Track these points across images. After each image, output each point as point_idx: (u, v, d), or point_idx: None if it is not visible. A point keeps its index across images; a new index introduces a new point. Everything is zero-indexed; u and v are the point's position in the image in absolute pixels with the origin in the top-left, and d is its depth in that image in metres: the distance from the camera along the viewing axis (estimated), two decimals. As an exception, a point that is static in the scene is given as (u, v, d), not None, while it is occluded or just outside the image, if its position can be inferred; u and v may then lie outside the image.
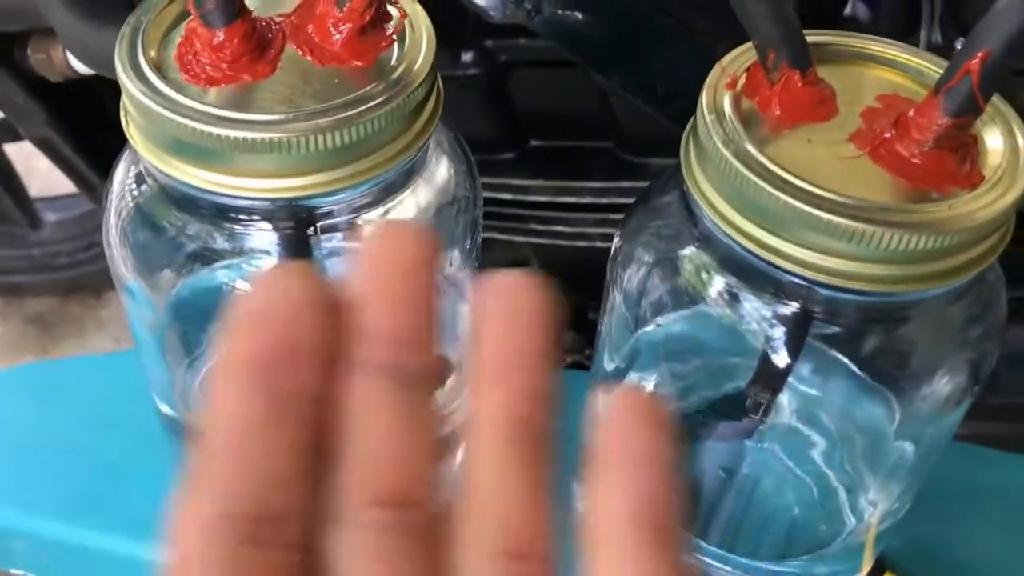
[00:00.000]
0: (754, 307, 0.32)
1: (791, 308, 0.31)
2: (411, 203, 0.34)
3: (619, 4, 0.46)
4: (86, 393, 0.50)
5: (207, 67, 0.30)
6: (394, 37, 0.32)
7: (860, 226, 0.27)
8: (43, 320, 1.03)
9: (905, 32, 0.53)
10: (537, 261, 0.71)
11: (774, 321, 0.32)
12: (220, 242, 0.33)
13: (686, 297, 0.33)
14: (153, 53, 0.30)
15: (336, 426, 0.19)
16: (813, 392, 0.35)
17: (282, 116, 0.28)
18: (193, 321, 0.37)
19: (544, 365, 0.20)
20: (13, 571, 0.47)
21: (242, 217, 0.31)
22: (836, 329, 0.31)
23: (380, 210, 0.33)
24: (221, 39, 0.30)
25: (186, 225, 0.33)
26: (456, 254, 0.37)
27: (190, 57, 0.30)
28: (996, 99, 0.30)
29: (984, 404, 0.65)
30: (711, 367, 0.37)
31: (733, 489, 0.40)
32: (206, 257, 0.33)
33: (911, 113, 0.29)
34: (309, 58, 0.31)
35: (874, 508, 0.38)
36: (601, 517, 0.19)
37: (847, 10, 0.61)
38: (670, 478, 0.19)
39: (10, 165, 0.92)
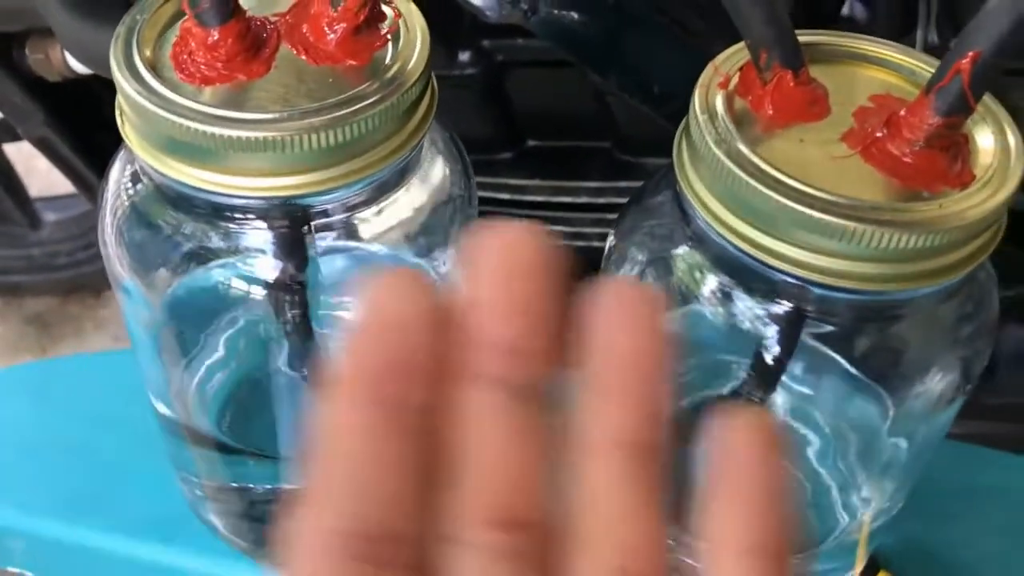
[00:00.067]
0: (747, 306, 0.32)
1: (784, 307, 0.31)
2: (407, 202, 0.35)
3: (615, 4, 0.46)
4: (83, 392, 0.50)
5: (202, 66, 0.30)
6: (388, 37, 0.32)
7: (851, 225, 0.27)
8: (42, 320, 1.03)
9: (902, 32, 0.53)
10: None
11: (767, 320, 0.32)
12: (215, 241, 0.33)
13: (679, 296, 0.34)
14: (148, 52, 0.31)
15: (450, 440, 0.19)
16: (806, 391, 0.35)
17: (276, 115, 0.29)
18: (189, 320, 0.37)
19: (662, 382, 0.19)
20: (10, 569, 0.48)
21: (237, 216, 0.32)
22: (829, 328, 0.32)
23: (374, 209, 0.33)
24: (216, 38, 0.30)
25: (181, 224, 0.33)
26: (451, 254, 0.37)
27: (185, 56, 0.30)
28: (987, 98, 0.30)
29: (983, 404, 0.65)
30: (705, 366, 0.37)
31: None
32: (201, 256, 0.33)
33: (902, 112, 0.29)
34: (304, 57, 0.31)
35: (867, 506, 0.38)
36: (719, 545, 0.19)
37: (844, 10, 0.61)
38: (786, 506, 0.19)
39: (10, 165, 0.93)
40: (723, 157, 0.29)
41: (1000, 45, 0.27)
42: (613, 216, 0.36)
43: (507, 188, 0.60)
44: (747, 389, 0.35)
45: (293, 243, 0.32)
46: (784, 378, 0.34)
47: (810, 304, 0.30)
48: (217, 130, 0.28)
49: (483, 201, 0.62)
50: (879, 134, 0.29)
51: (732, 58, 0.32)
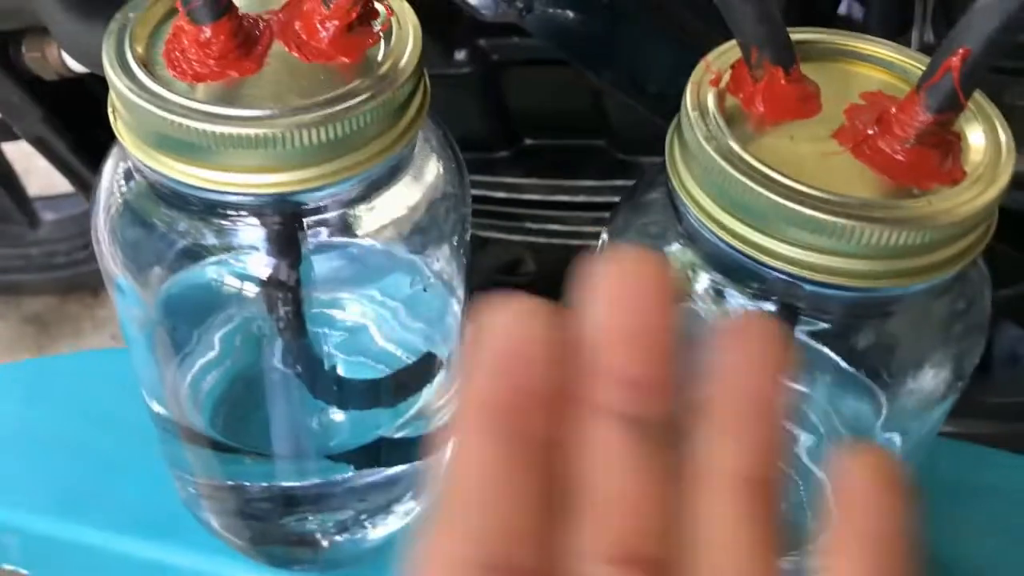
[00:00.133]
0: (739, 304, 0.32)
1: (776, 304, 0.31)
2: (400, 199, 0.35)
3: (609, 2, 0.46)
4: (78, 389, 0.50)
5: (194, 63, 0.30)
6: (381, 34, 0.32)
7: (842, 221, 0.27)
8: (40, 319, 1.03)
9: (897, 31, 0.53)
10: (532, 260, 0.71)
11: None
12: (208, 238, 0.33)
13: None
14: (141, 49, 0.31)
15: (574, 472, 0.19)
16: (799, 388, 0.36)
17: (268, 112, 0.29)
18: (182, 318, 0.37)
19: (782, 419, 0.20)
20: (5, 567, 0.48)
21: (230, 213, 0.32)
22: (821, 325, 0.32)
23: (368, 206, 0.33)
24: (208, 36, 0.30)
25: (174, 221, 0.33)
26: (444, 251, 0.37)
27: (177, 54, 0.30)
28: (978, 96, 0.30)
29: (980, 403, 0.65)
30: (699, 362, 0.37)
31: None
32: (195, 253, 0.33)
33: (893, 110, 0.29)
34: (296, 55, 0.31)
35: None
36: None
37: (841, 9, 0.61)
38: (910, 553, 0.19)
39: (9, 164, 0.93)
40: (714, 154, 0.29)
41: (990, 43, 0.27)
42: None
43: (503, 187, 0.61)
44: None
45: (286, 240, 0.32)
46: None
47: (802, 301, 0.30)
48: (209, 127, 0.28)
49: (480, 200, 0.63)
50: (870, 131, 0.29)
51: (724, 55, 0.32)
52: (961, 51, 0.27)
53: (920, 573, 0.19)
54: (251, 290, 0.33)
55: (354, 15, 0.31)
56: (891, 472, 0.20)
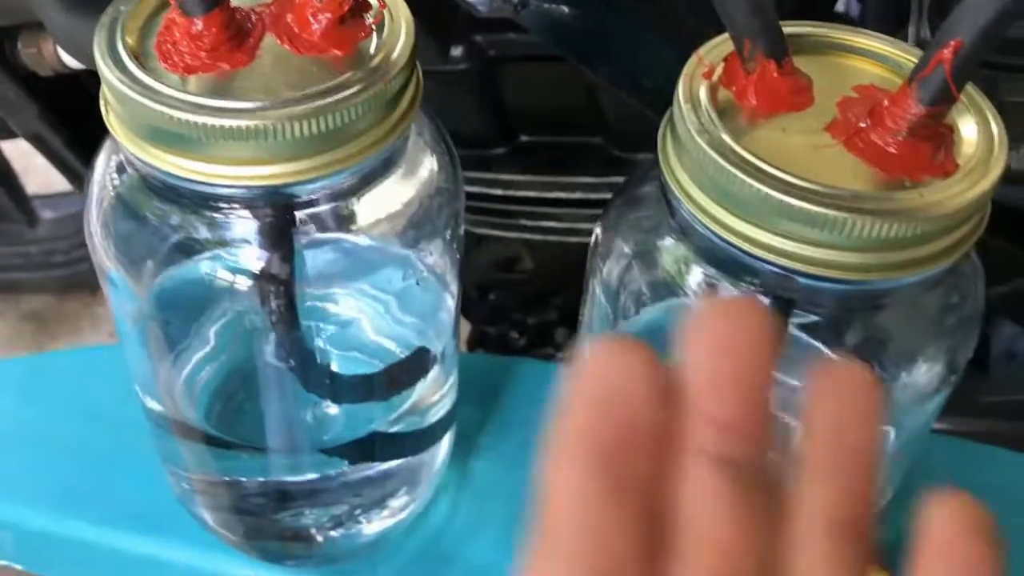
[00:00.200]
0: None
1: (769, 297, 0.31)
2: (393, 193, 0.35)
3: (605, -2, 0.46)
4: (73, 386, 0.50)
5: (185, 56, 0.30)
6: (373, 27, 0.32)
7: (832, 214, 0.27)
8: (39, 318, 1.03)
9: (893, 28, 0.53)
10: (530, 257, 0.71)
11: (753, 311, 0.32)
12: (201, 231, 0.33)
13: (665, 288, 0.34)
14: (132, 42, 0.31)
15: (670, 512, 0.19)
16: (792, 382, 0.35)
17: (259, 104, 0.29)
18: (176, 312, 0.37)
19: (874, 464, 0.20)
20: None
21: (222, 205, 0.32)
22: (814, 318, 0.31)
23: (360, 199, 0.33)
24: (200, 28, 0.30)
25: (166, 214, 0.33)
26: (438, 245, 0.37)
27: (169, 46, 0.30)
28: (970, 88, 0.30)
29: (978, 401, 0.65)
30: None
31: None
32: (187, 247, 0.33)
33: (886, 103, 0.29)
34: (288, 47, 0.31)
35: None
36: None
37: (839, 7, 0.61)
38: None
39: (7, 163, 0.93)
40: (706, 147, 0.29)
41: (982, 35, 0.27)
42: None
43: (500, 184, 0.60)
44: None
45: (278, 233, 0.32)
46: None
47: (795, 294, 0.30)
48: (200, 118, 0.28)
49: (476, 197, 0.63)
50: (863, 124, 0.29)
51: (717, 49, 0.32)
52: (953, 43, 0.27)
53: None
54: (243, 283, 0.33)
55: (346, 8, 0.31)
56: (978, 516, 0.20)
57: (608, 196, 0.59)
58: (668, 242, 0.33)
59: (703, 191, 0.29)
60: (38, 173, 0.98)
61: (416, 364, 0.40)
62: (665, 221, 0.33)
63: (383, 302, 0.39)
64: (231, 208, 0.32)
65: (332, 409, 0.41)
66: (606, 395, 0.19)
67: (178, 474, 0.43)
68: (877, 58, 0.32)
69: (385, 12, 0.32)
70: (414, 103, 0.32)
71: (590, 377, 0.19)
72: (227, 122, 0.28)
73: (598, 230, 0.36)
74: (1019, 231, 0.52)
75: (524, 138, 0.60)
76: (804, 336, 0.32)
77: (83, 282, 1.01)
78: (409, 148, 0.35)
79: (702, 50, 0.31)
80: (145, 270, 0.35)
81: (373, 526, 0.43)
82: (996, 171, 0.28)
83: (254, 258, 0.33)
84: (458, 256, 0.38)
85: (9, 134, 0.63)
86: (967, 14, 0.27)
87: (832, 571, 0.19)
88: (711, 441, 0.19)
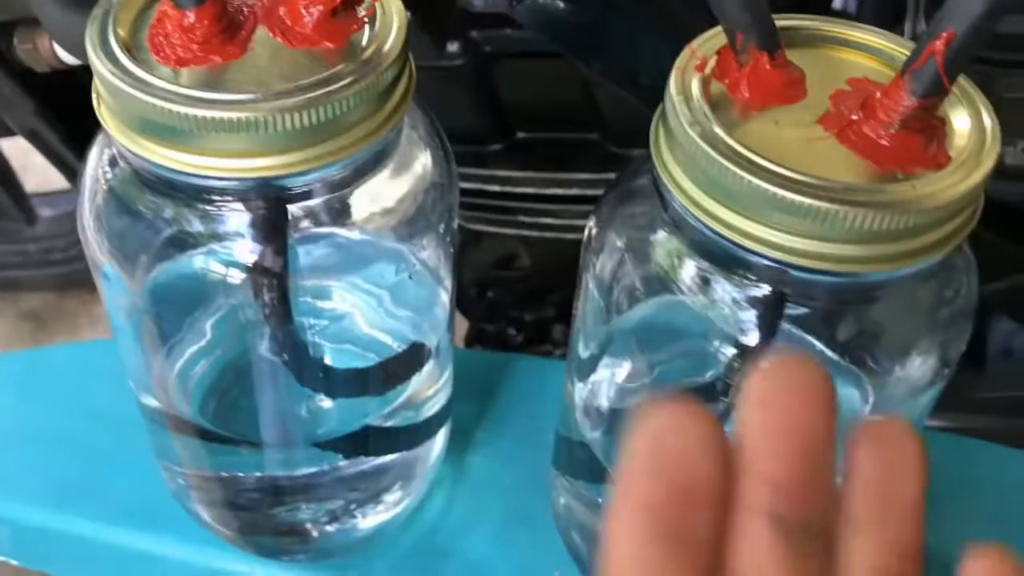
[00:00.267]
0: (726, 291, 0.32)
1: (762, 291, 0.31)
2: (387, 187, 0.35)
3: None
4: (68, 381, 0.50)
5: (177, 48, 0.30)
6: (365, 19, 0.32)
7: (824, 206, 0.27)
8: (38, 316, 1.03)
9: (890, 23, 0.53)
10: (527, 254, 0.71)
11: (746, 305, 0.32)
12: (194, 225, 0.33)
13: (658, 283, 0.34)
14: (124, 34, 0.31)
15: (727, 570, 0.20)
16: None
17: (250, 96, 0.29)
18: (169, 306, 0.37)
19: (919, 520, 0.21)
20: (-5, 557, 0.48)
21: (214, 198, 0.32)
22: (807, 311, 0.31)
23: (353, 193, 0.33)
24: (192, 21, 0.30)
25: (159, 208, 0.33)
26: (431, 239, 0.37)
27: (161, 39, 0.30)
28: (963, 81, 0.30)
29: (975, 398, 0.65)
30: (686, 353, 0.37)
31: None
32: (180, 240, 0.33)
33: (878, 95, 0.29)
34: (280, 40, 0.31)
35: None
36: None
37: (836, 4, 0.61)
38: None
39: (6, 161, 0.93)
40: (697, 139, 0.28)
41: (974, 27, 0.27)
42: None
43: (496, 180, 0.61)
44: (729, 376, 0.35)
45: (271, 226, 0.32)
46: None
47: (788, 287, 0.30)
48: (191, 110, 0.28)
49: (473, 193, 0.63)
50: (855, 117, 0.29)
51: (709, 42, 0.31)
52: (945, 35, 0.27)
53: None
54: (237, 276, 0.33)
55: (338, 0, 0.31)
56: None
57: (605, 193, 0.60)
58: (661, 236, 0.33)
59: (695, 184, 0.29)
60: (36, 171, 0.98)
61: (411, 358, 0.40)
62: (658, 215, 0.33)
63: (376, 296, 0.39)
64: (224, 201, 0.32)
65: (326, 403, 0.41)
66: (664, 458, 0.19)
67: (172, 470, 0.43)
68: (870, 51, 0.32)
69: (377, 5, 0.32)
70: (407, 96, 0.32)
71: (648, 440, 0.20)
72: (219, 114, 0.28)
73: (591, 224, 0.36)
74: (1016, 227, 0.52)
75: (520, 134, 0.60)
76: (798, 329, 0.32)
77: (81, 280, 1.01)
78: (403, 142, 0.35)
79: (695, 43, 0.31)
80: (138, 264, 0.35)
81: (368, 521, 0.43)
82: (988, 163, 0.28)
83: (247, 251, 0.33)
84: (452, 250, 0.38)
85: (7, 132, 0.63)
86: (959, 5, 0.27)
87: None
88: (766, 500, 0.20)
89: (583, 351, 0.38)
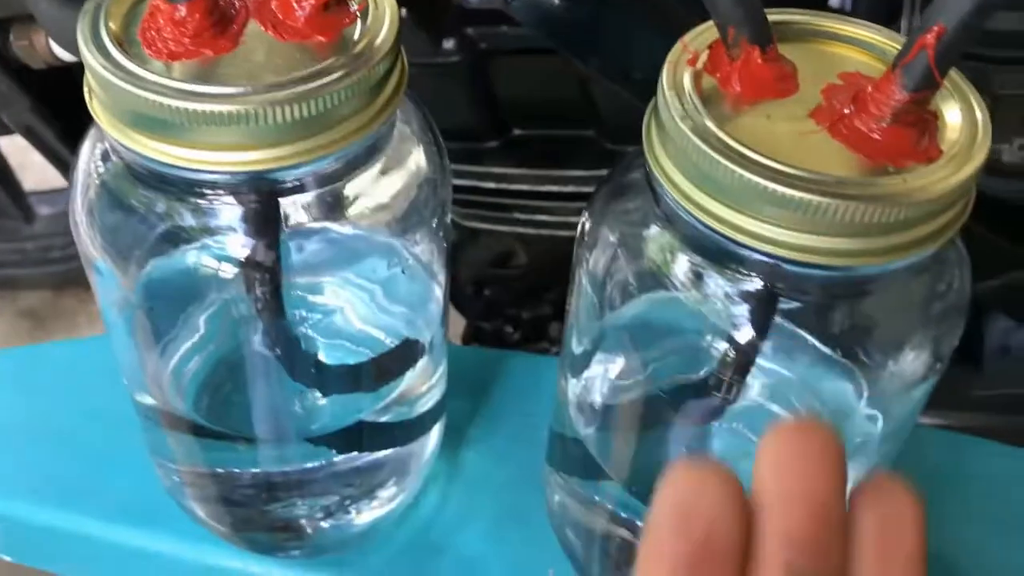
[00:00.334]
0: (718, 285, 0.32)
1: (755, 285, 0.31)
2: (379, 182, 0.35)
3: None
4: (63, 378, 0.50)
5: (169, 42, 0.30)
6: (357, 13, 0.32)
7: (815, 199, 0.27)
8: (36, 314, 1.03)
9: (886, 21, 0.53)
10: (523, 252, 0.71)
11: (739, 299, 0.32)
12: (186, 219, 0.33)
13: (651, 278, 0.33)
14: (116, 28, 0.31)
15: None
16: (779, 369, 0.35)
17: (242, 89, 0.29)
18: (162, 301, 0.37)
19: (918, 567, 0.22)
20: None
21: (207, 192, 0.32)
22: (800, 305, 0.31)
23: (346, 187, 0.33)
24: (183, 14, 0.30)
25: (152, 202, 0.33)
26: (424, 234, 0.37)
27: (153, 32, 0.30)
28: (955, 74, 0.30)
29: (972, 396, 0.65)
30: (679, 348, 0.37)
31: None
32: (173, 235, 0.33)
33: (870, 89, 0.29)
34: (271, 34, 0.31)
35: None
36: None
37: (833, 2, 0.61)
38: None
39: (4, 159, 0.93)
40: (690, 133, 0.28)
41: (963, 22, 0.27)
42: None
43: (492, 177, 0.61)
44: (722, 371, 0.35)
45: (263, 219, 0.32)
46: (758, 359, 0.34)
47: (780, 281, 0.30)
48: (182, 104, 0.28)
49: (469, 190, 0.63)
50: (847, 111, 0.29)
51: (701, 36, 0.31)
52: (936, 28, 0.27)
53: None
54: (229, 271, 0.33)
55: (330, -5, 0.31)
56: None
57: (601, 190, 0.60)
58: (654, 230, 0.33)
59: (687, 178, 0.29)
60: (35, 170, 0.98)
61: (404, 354, 0.40)
62: (650, 209, 0.32)
63: (369, 291, 0.39)
64: (216, 195, 0.32)
65: (320, 398, 0.41)
66: (689, 517, 0.21)
67: (167, 467, 0.43)
68: (862, 45, 0.32)
69: (369, -1, 0.32)
70: (399, 90, 0.32)
71: (673, 500, 0.22)
72: (210, 107, 0.28)
73: (584, 219, 0.36)
74: (1013, 224, 0.52)
75: (516, 131, 0.60)
76: (791, 324, 0.32)
77: (79, 278, 1.00)
78: (395, 137, 0.34)
79: (687, 37, 0.31)
80: (131, 259, 0.35)
81: (363, 517, 0.43)
82: (980, 157, 0.28)
83: (239, 245, 0.33)
84: (445, 245, 0.38)
85: (4, 130, 0.63)
86: (948, 0, 0.27)
87: None
88: (782, 554, 0.21)
89: (576, 347, 0.38)
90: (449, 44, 0.55)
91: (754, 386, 0.37)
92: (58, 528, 0.46)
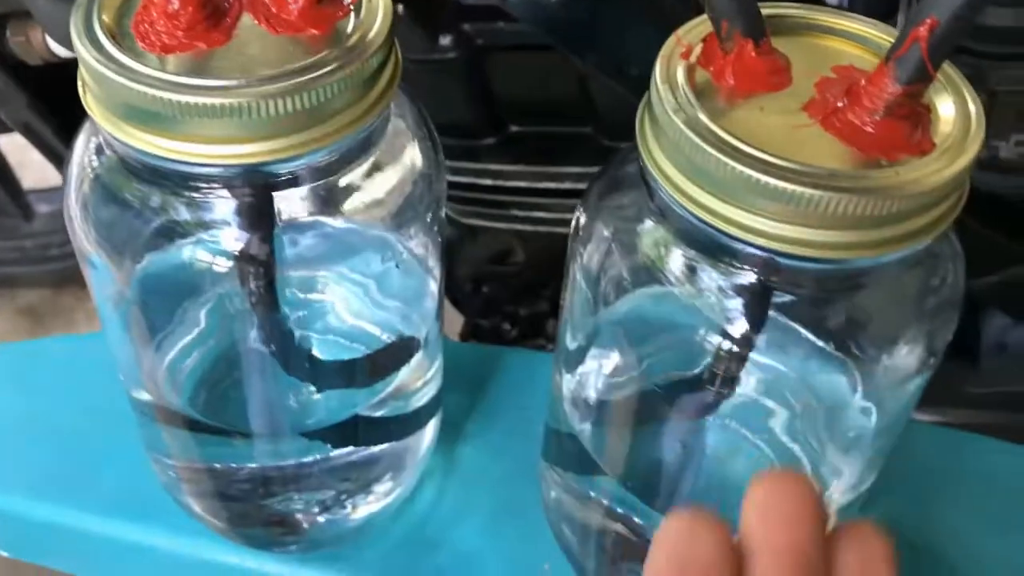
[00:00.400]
0: (712, 279, 0.32)
1: (749, 279, 0.31)
2: (374, 176, 0.35)
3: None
4: (59, 373, 0.50)
5: (162, 35, 0.30)
6: (351, 6, 0.32)
7: (808, 191, 0.27)
8: (34, 311, 1.03)
9: (884, 15, 0.53)
10: (521, 249, 0.71)
11: (733, 293, 0.32)
12: (180, 212, 0.33)
13: (645, 272, 0.33)
14: (109, 21, 0.31)
15: None
16: (773, 364, 0.35)
17: (235, 82, 0.29)
18: (157, 296, 0.37)
19: None
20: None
21: (201, 185, 0.32)
22: (794, 299, 0.31)
23: (340, 180, 0.33)
24: (176, 7, 0.30)
25: (146, 196, 0.33)
26: (419, 228, 0.37)
27: (146, 25, 0.30)
28: (948, 67, 0.30)
29: (968, 393, 0.65)
30: (673, 343, 0.37)
31: (692, 464, 0.40)
32: (167, 229, 0.33)
33: (863, 82, 0.29)
34: (265, 27, 0.31)
35: (836, 480, 0.38)
36: None
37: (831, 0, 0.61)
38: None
39: (3, 157, 0.93)
40: (682, 126, 0.28)
41: (957, 12, 0.27)
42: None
43: (489, 174, 0.60)
44: (717, 366, 0.35)
45: (257, 213, 0.32)
46: (752, 353, 0.34)
47: (774, 274, 0.30)
48: (176, 96, 0.28)
49: (466, 187, 0.63)
50: (840, 104, 0.29)
51: (695, 29, 0.31)
52: (929, 21, 0.27)
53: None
54: (223, 265, 0.33)
55: (324, -12, 0.31)
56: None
57: (599, 186, 0.60)
58: (647, 225, 0.33)
59: (680, 171, 0.29)
60: (34, 168, 0.98)
61: (399, 349, 0.40)
62: (644, 204, 0.32)
63: (364, 286, 0.39)
64: (210, 188, 0.32)
65: (315, 393, 0.41)
66: (684, 561, 0.24)
67: (163, 462, 0.43)
68: (856, 39, 0.32)
69: (363, -7, 0.32)
70: (392, 83, 0.32)
71: (669, 545, 0.25)
72: (204, 100, 0.28)
73: (579, 214, 0.36)
74: (1010, 220, 0.52)
75: (514, 128, 0.60)
76: (784, 317, 0.32)
77: (78, 276, 1.00)
78: (390, 131, 0.35)
79: (680, 31, 0.31)
80: (125, 253, 0.35)
81: (359, 511, 0.43)
82: (973, 150, 0.28)
83: (234, 239, 0.33)
84: (440, 240, 0.38)
85: (3, 128, 0.63)
86: (941, -7, 0.27)
87: None
88: None
89: (571, 342, 0.38)
90: (446, 40, 0.54)
91: (748, 381, 0.37)
92: (54, 523, 0.46)
